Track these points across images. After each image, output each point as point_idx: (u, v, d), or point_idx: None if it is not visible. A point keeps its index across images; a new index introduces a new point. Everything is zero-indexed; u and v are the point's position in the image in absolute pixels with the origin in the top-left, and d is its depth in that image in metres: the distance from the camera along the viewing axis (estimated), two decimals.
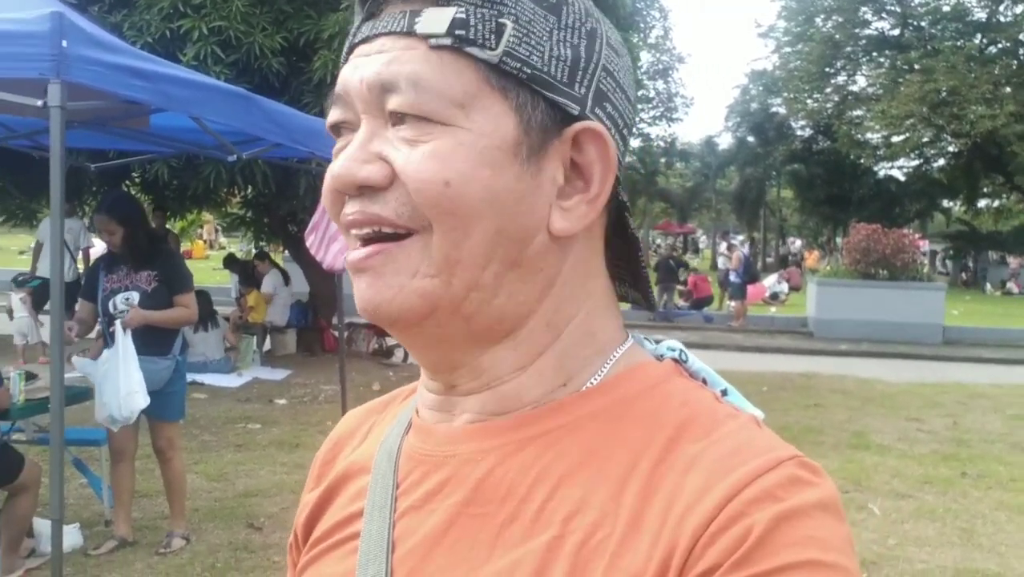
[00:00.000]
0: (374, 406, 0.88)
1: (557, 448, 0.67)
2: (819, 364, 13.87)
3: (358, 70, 0.67)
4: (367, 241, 0.67)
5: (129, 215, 4.96)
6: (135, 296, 4.89)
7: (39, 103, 3.26)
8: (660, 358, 0.74)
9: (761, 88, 42.10)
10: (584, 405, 0.69)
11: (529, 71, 0.66)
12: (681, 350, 0.75)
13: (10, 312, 11.45)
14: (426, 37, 0.65)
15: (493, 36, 0.65)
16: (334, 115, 0.70)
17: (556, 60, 0.67)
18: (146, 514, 5.58)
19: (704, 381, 0.74)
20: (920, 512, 6.25)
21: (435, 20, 0.65)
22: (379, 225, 0.66)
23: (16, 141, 5.87)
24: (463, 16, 0.64)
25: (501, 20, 0.65)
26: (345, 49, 0.72)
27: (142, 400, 4.56)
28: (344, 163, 0.66)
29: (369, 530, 0.71)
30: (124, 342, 4.60)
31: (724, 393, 0.73)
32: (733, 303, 19.71)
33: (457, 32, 0.64)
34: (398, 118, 0.65)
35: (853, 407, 10.28)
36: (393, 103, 0.65)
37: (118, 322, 4.74)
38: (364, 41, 0.68)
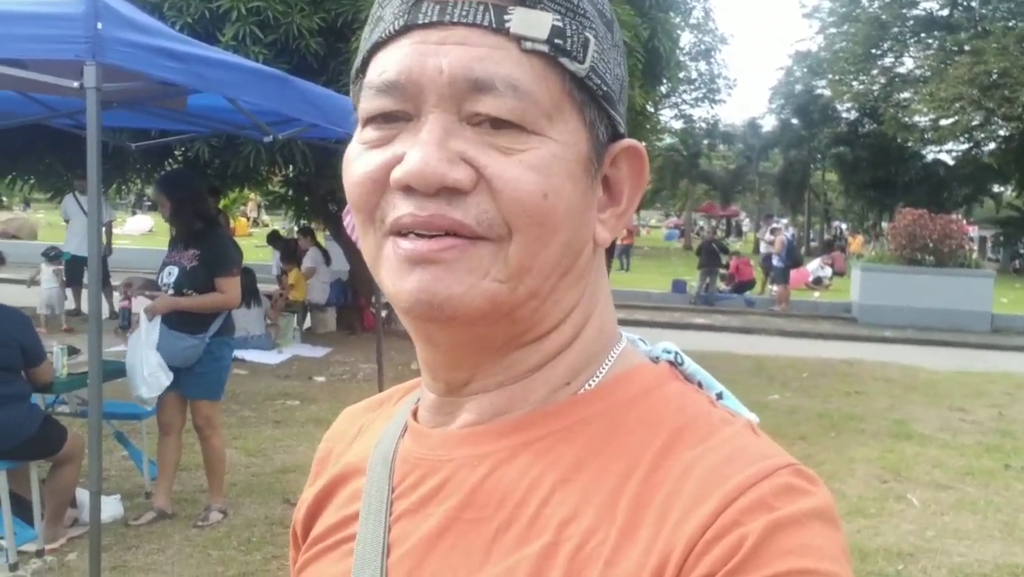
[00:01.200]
0: (368, 405, 0.87)
1: (553, 454, 0.66)
2: (862, 350, 13.70)
3: (432, 59, 0.62)
4: (431, 237, 0.63)
5: (177, 191, 5.11)
6: (175, 271, 4.99)
7: (75, 84, 3.30)
8: (656, 360, 0.74)
9: (805, 70, 41.56)
10: (581, 409, 0.68)
11: (605, 88, 0.67)
12: (676, 352, 0.74)
13: (37, 282, 11.86)
14: (519, 39, 0.62)
15: (582, 49, 0.64)
16: (383, 103, 0.64)
17: (615, 78, 0.69)
18: (185, 487, 5.67)
19: (699, 384, 0.73)
20: (961, 504, 6.15)
21: (533, 23, 0.62)
22: (456, 231, 0.62)
23: (59, 120, 5.95)
24: (560, 24, 0.63)
25: (586, 34, 0.65)
26: (386, 24, 0.66)
27: (165, 380, 4.76)
28: (428, 160, 0.61)
29: (364, 533, 0.71)
30: (147, 326, 4.78)
31: (719, 397, 0.72)
32: (776, 287, 19.54)
33: (555, 41, 0.63)
34: (482, 120, 0.62)
35: (895, 395, 10.14)
36: (487, 106, 0.62)
37: (142, 309, 4.91)
38: (431, 25, 0.63)
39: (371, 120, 0.66)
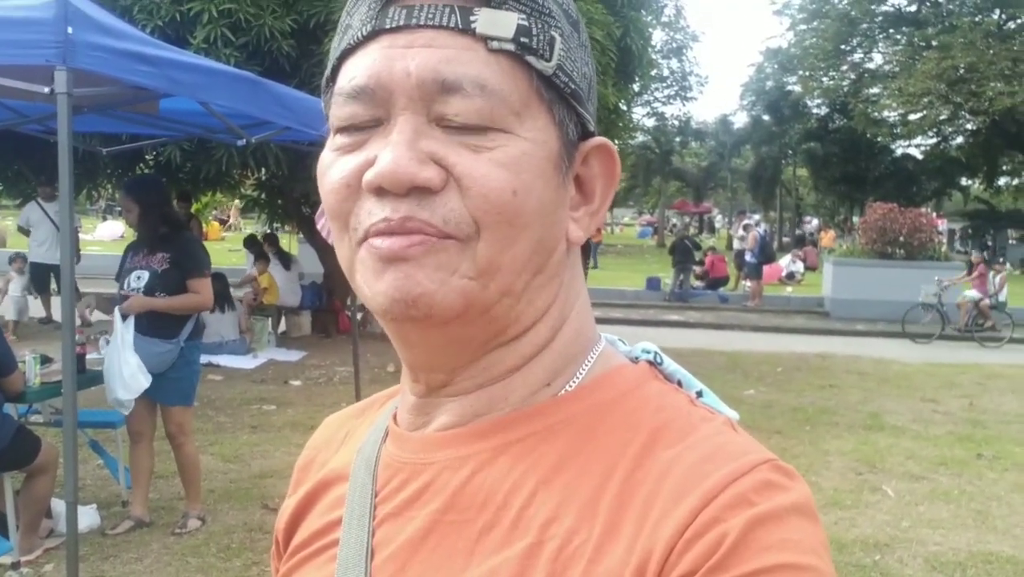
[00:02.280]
0: (351, 412, 0.88)
1: (534, 455, 0.67)
2: (835, 344, 13.84)
3: (400, 62, 0.63)
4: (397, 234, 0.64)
5: (145, 196, 5.03)
6: (145, 275, 4.92)
7: (46, 90, 3.27)
8: (635, 360, 0.74)
9: (776, 66, 41.77)
10: (561, 410, 0.69)
11: (573, 86, 0.67)
12: (656, 352, 0.75)
13: (5, 291, 11.86)
14: (486, 39, 0.63)
15: (548, 48, 0.65)
16: (354, 110, 0.65)
17: (583, 77, 0.69)
18: (163, 495, 5.62)
19: (679, 383, 0.74)
20: (934, 494, 6.23)
21: (498, 23, 0.63)
22: (423, 233, 0.63)
23: (28, 126, 5.89)
24: (525, 24, 0.64)
25: (552, 33, 0.66)
26: (355, 30, 0.66)
27: (144, 381, 4.67)
28: (398, 161, 0.62)
29: (348, 538, 0.71)
30: (121, 328, 4.70)
31: (699, 395, 0.73)
32: (749, 283, 19.67)
33: (521, 39, 0.64)
34: (450, 120, 0.63)
35: (868, 388, 10.25)
36: (455, 106, 0.62)
37: (116, 308, 4.84)
38: (398, 29, 0.64)
39: (343, 128, 0.66)
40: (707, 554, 0.58)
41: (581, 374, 0.71)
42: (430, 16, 0.63)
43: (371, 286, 0.65)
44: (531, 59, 0.64)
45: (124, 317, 4.76)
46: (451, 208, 0.63)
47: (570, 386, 0.70)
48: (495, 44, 0.63)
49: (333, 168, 0.66)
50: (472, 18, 0.63)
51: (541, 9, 0.65)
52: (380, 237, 0.64)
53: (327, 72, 0.70)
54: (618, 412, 0.68)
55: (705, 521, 0.59)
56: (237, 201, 22.73)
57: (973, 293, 15.57)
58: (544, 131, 0.65)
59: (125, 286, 4.96)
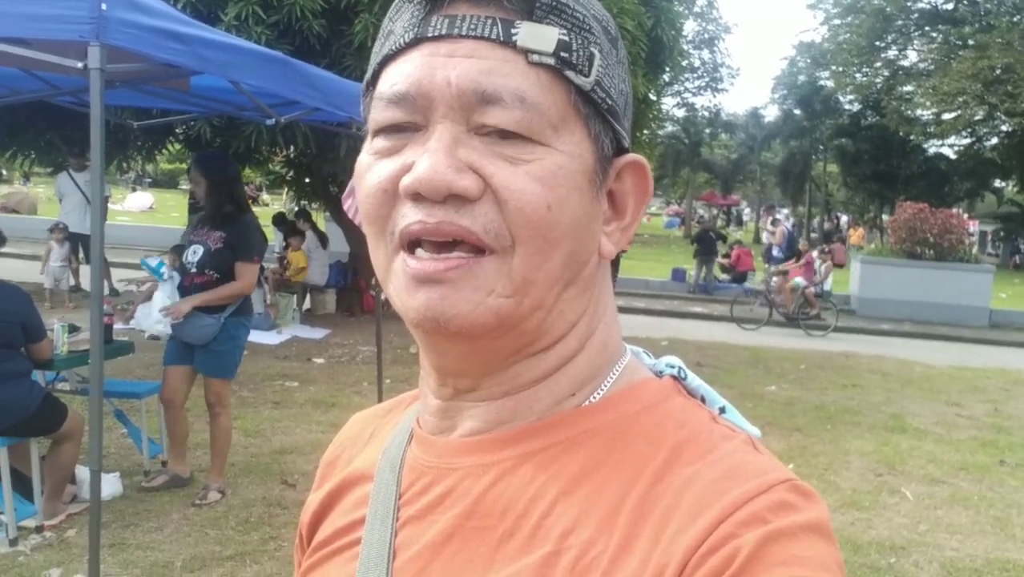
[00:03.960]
0: (378, 411, 0.89)
1: (556, 465, 0.67)
2: (860, 343, 13.74)
3: (441, 71, 0.64)
4: (439, 248, 0.64)
5: (214, 172, 5.21)
6: (200, 251, 5.13)
7: (79, 65, 3.30)
8: (659, 374, 0.75)
9: (809, 61, 41.44)
10: (585, 421, 0.69)
11: (610, 102, 0.68)
12: (680, 367, 0.75)
13: (46, 258, 11.98)
14: (526, 52, 0.64)
15: (587, 63, 0.66)
16: (393, 114, 0.66)
17: (620, 93, 0.70)
18: None
19: (702, 399, 0.74)
20: (954, 499, 6.18)
21: (540, 37, 0.64)
22: (464, 239, 0.63)
23: (61, 98, 5.94)
24: (566, 39, 0.65)
25: (591, 49, 0.66)
26: (397, 37, 0.67)
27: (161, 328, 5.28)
28: (436, 167, 0.62)
29: (370, 538, 0.72)
30: (162, 293, 5.20)
31: (722, 411, 0.73)
32: (775, 278, 19.51)
33: (562, 54, 0.65)
34: (490, 131, 0.64)
35: (892, 389, 10.17)
36: (494, 117, 0.63)
37: (160, 310, 5.26)
38: (440, 38, 0.65)
39: (381, 131, 0.67)
40: (721, 569, 0.58)
41: (606, 386, 0.71)
42: (472, 27, 0.64)
43: (404, 301, 0.66)
44: (570, 74, 0.65)
45: (174, 319, 5.10)
46: (491, 218, 0.63)
47: (595, 397, 0.71)
48: (535, 58, 0.64)
49: (371, 172, 0.67)
50: (514, 31, 0.64)
51: (582, 25, 0.66)
52: (414, 256, 0.64)
53: (367, 76, 0.71)
54: (641, 426, 0.68)
55: (720, 537, 0.59)
56: (258, 179, 22.83)
57: (800, 281, 15.61)
58: (580, 145, 0.66)
59: (185, 257, 5.24)
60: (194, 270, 5.12)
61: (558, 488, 0.66)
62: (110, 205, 14.62)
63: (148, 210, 32.66)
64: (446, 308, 0.64)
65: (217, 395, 5.24)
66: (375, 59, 0.69)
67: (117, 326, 5.44)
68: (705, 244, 19.83)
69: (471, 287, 0.64)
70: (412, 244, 0.65)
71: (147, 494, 5.21)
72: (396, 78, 0.66)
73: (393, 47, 0.67)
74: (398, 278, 0.66)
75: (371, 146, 0.68)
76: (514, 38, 0.63)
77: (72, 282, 12.54)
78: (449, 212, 0.63)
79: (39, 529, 4.57)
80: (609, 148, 0.69)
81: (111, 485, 5.05)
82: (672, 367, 0.75)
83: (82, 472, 4.88)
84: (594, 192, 0.68)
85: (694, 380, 0.75)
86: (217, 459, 5.31)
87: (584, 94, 0.66)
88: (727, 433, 0.68)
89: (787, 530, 0.59)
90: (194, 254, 5.15)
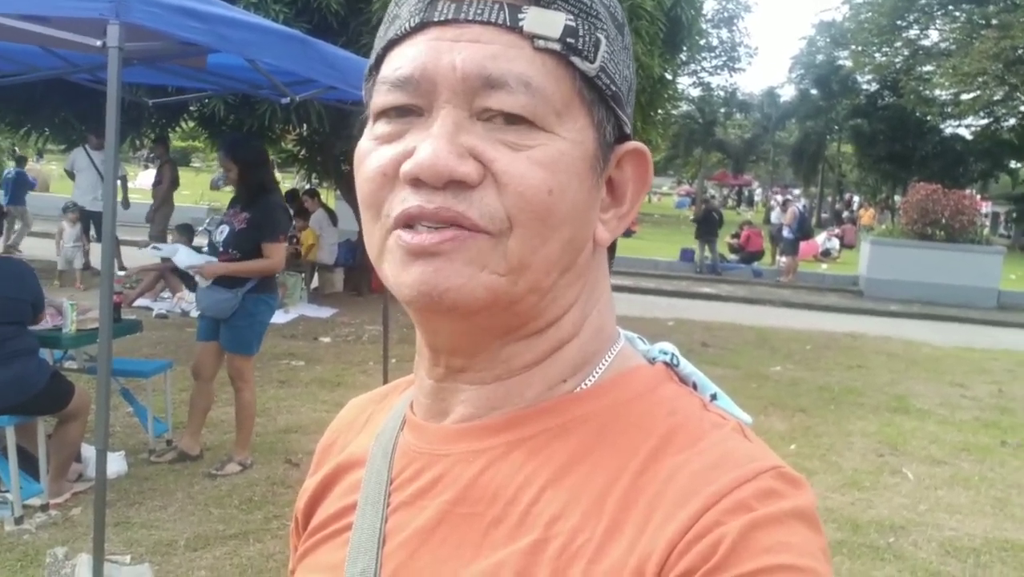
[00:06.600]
0: (374, 396, 0.90)
1: (546, 452, 0.68)
2: (867, 324, 13.73)
3: (446, 55, 0.64)
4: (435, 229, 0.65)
5: (244, 157, 5.36)
6: (226, 231, 5.30)
7: (98, 43, 3.33)
8: (652, 361, 0.75)
9: (828, 40, 41.06)
10: (576, 408, 0.70)
11: (614, 88, 0.68)
12: (673, 354, 0.76)
13: (59, 238, 12.02)
14: (532, 37, 0.64)
15: (593, 49, 0.66)
16: (396, 98, 0.66)
17: (624, 80, 0.70)
18: None
19: (694, 385, 0.75)
20: (955, 479, 6.22)
21: (546, 22, 0.64)
22: (460, 224, 0.63)
23: (78, 75, 5.99)
24: (573, 24, 0.65)
25: (597, 35, 0.67)
26: (402, 21, 0.67)
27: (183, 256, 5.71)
28: (438, 153, 0.62)
29: (361, 523, 0.73)
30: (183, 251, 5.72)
31: (713, 398, 0.74)
32: (784, 258, 19.49)
33: (568, 40, 0.65)
34: (493, 116, 0.64)
35: (897, 370, 10.19)
36: (498, 102, 0.63)
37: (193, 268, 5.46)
38: (446, 23, 0.65)
39: (383, 114, 0.67)
40: (706, 555, 0.59)
41: (598, 372, 0.72)
42: (479, 11, 0.64)
43: (397, 277, 0.66)
44: (575, 60, 0.65)
45: (203, 279, 5.33)
46: (487, 203, 0.63)
47: (587, 383, 0.71)
48: (541, 43, 0.64)
49: (371, 157, 0.67)
50: (520, 16, 0.64)
51: (588, 11, 0.66)
52: (409, 232, 0.64)
53: (370, 60, 0.71)
54: (632, 413, 0.69)
55: (706, 525, 0.60)
56: (271, 157, 22.83)
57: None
58: (583, 132, 0.66)
59: (213, 238, 5.51)
60: (221, 249, 5.29)
61: (547, 475, 0.67)
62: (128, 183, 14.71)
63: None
64: (439, 281, 0.64)
65: (237, 370, 5.35)
66: (379, 43, 0.70)
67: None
68: (707, 224, 19.57)
69: (464, 259, 0.64)
70: (407, 224, 0.65)
71: (152, 472, 5.26)
72: (401, 62, 0.66)
73: (399, 31, 0.67)
74: (392, 254, 0.66)
75: (372, 131, 0.69)
76: (521, 23, 0.64)
77: (83, 261, 12.63)
78: (448, 198, 0.63)
79: (44, 508, 4.60)
80: (611, 135, 0.69)
81: (116, 464, 5.07)
82: (665, 353, 0.75)
83: (87, 450, 4.94)
84: (594, 179, 0.68)
85: (686, 367, 0.75)
86: (241, 432, 5.44)
87: (589, 80, 0.66)
88: (717, 421, 0.68)
89: (772, 517, 0.60)
90: (221, 234, 5.32)
